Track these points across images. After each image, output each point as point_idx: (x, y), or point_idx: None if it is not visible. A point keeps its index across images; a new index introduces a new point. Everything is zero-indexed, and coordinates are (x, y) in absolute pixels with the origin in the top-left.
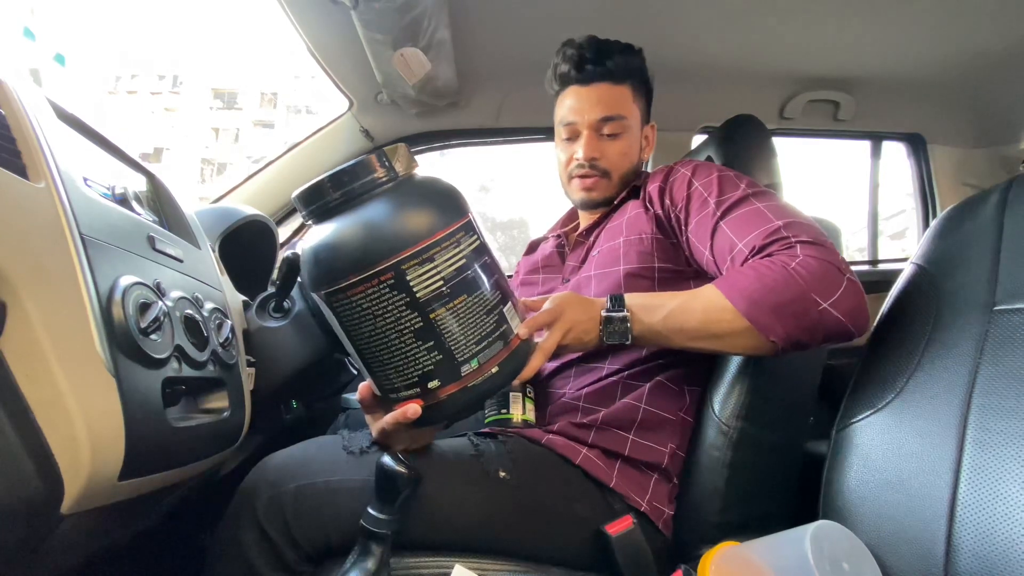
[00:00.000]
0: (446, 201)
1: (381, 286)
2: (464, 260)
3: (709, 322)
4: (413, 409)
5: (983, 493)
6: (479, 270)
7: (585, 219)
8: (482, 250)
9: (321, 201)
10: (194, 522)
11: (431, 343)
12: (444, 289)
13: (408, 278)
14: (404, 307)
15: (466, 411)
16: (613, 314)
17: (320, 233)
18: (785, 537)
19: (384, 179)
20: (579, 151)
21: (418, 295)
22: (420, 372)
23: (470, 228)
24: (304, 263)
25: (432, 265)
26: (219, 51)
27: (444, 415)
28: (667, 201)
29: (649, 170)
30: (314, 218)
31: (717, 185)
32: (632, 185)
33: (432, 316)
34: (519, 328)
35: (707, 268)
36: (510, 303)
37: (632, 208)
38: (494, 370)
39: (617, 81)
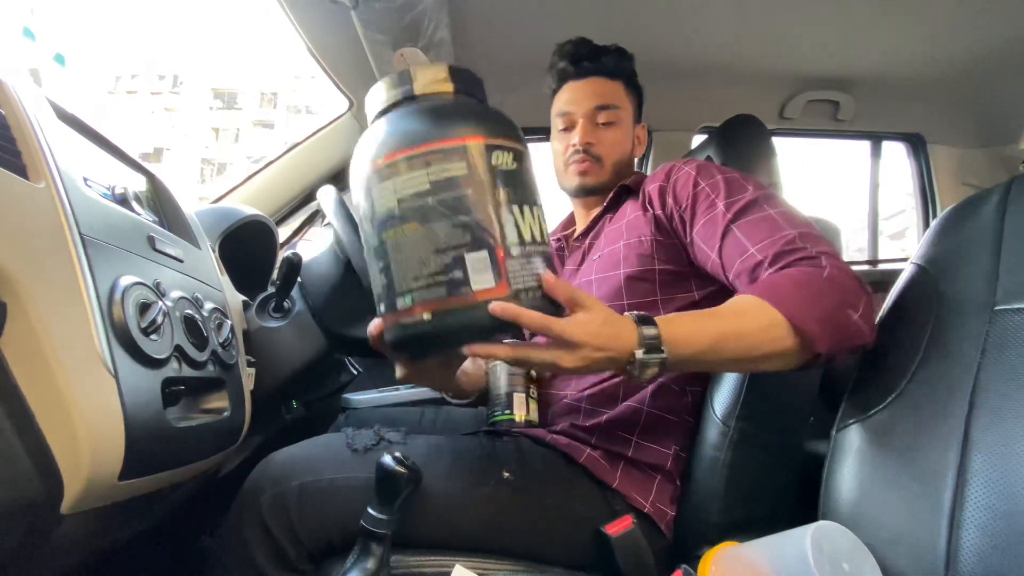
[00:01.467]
0: (442, 120)
1: (359, 196)
2: (428, 185)
3: (762, 342)
4: (375, 325)
5: (985, 493)
6: (446, 201)
7: (582, 221)
8: (466, 181)
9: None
10: (194, 522)
11: (381, 265)
12: (396, 211)
13: (373, 193)
14: (367, 223)
15: (408, 351)
16: (649, 357)
17: None
18: (785, 537)
19: (402, 97)
20: (575, 138)
21: (376, 212)
22: (376, 292)
23: (459, 153)
24: None
25: (389, 183)
26: (219, 51)
27: (390, 347)
28: (669, 200)
29: (649, 172)
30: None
31: (724, 186)
32: (623, 185)
33: (383, 236)
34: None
35: (712, 270)
36: (485, 253)
37: (631, 210)
38: (425, 316)
39: (611, 77)
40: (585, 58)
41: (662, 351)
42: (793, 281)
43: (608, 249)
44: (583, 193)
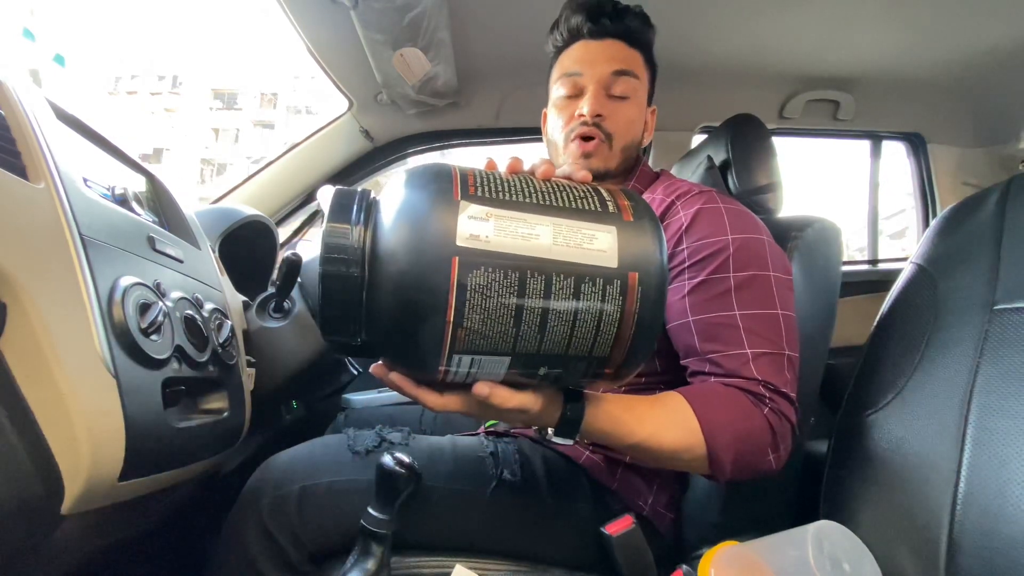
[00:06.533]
0: None
1: None
2: None
3: (674, 458)
4: None
5: (984, 492)
6: None
7: None
8: None
9: None
10: (194, 522)
11: None
12: None
13: None
14: None
15: None
16: (562, 440)
17: None
18: (785, 537)
19: None
20: (584, 106)
21: None
22: None
23: None
24: None
25: None
26: (219, 51)
27: None
28: None
29: (651, 162)
30: None
31: (704, 254)
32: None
33: None
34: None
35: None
36: None
37: None
38: None
39: (631, 44)
40: (606, 15)
41: (575, 437)
42: (741, 412)
43: None
44: None
